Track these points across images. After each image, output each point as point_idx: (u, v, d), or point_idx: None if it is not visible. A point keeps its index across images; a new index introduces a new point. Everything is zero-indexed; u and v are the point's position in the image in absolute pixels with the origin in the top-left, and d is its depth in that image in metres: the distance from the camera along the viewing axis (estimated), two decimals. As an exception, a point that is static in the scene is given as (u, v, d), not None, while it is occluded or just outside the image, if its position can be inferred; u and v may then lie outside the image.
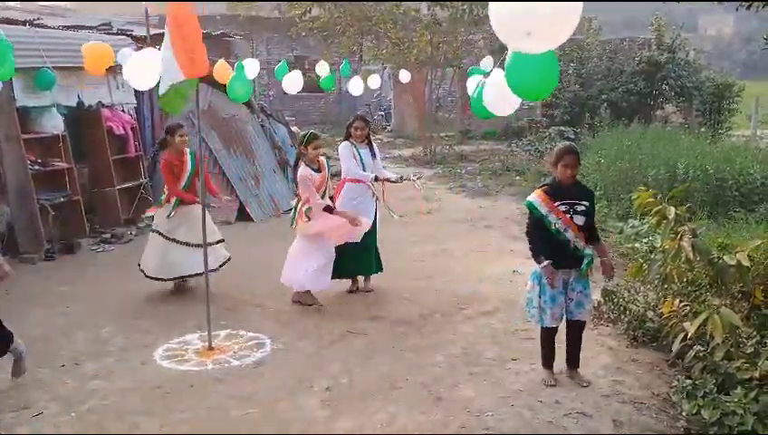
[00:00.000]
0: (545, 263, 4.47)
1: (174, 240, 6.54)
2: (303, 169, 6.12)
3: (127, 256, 7.64)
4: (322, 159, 6.35)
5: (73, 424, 4.25)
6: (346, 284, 6.82)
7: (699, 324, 4.15)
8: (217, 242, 6.74)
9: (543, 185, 4.69)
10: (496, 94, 4.26)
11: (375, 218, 6.68)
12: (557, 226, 4.43)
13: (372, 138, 6.92)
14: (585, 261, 4.48)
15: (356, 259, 6.64)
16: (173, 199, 6.58)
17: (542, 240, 4.53)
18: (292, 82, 10.15)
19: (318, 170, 6.21)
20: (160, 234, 6.60)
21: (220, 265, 6.72)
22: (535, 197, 4.53)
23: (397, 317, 6.08)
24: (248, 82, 7.32)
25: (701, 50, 23.41)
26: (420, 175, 7.65)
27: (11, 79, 7.79)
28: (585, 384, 4.59)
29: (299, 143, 6.44)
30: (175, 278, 6.67)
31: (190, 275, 6.61)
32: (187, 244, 6.50)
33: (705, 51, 25.86)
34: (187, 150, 6.62)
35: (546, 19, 2.87)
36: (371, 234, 6.61)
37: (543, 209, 4.46)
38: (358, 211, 6.39)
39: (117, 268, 7.59)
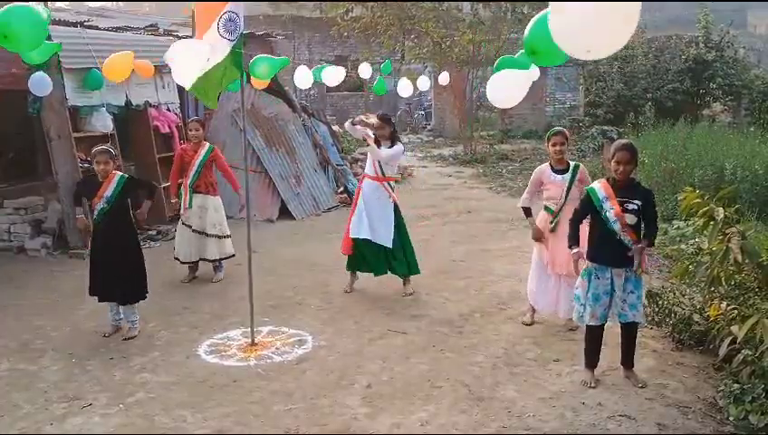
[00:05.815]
0: (575, 250, 4.58)
1: (188, 227, 7.25)
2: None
3: (171, 252, 7.77)
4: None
5: (122, 415, 4.37)
6: (386, 283, 6.84)
7: (748, 328, 4.07)
8: (226, 236, 7.33)
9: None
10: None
11: (398, 221, 6.65)
12: (608, 214, 4.42)
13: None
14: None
15: (374, 257, 6.65)
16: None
17: (592, 233, 4.59)
18: (332, 75, 10.23)
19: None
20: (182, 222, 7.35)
21: (220, 259, 7.33)
22: (597, 183, 4.57)
23: (437, 317, 6.09)
24: (275, 64, 7.40)
25: (751, 47, 22.82)
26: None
27: (62, 78, 8.05)
28: (641, 385, 4.55)
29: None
30: (185, 262, 7.30)
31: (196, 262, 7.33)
32: (197, 231, 7.21)
33: (755, 48, 25.21)
34: None
35: (603, 38, 3.17)
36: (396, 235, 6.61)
37: (601, 194, 4.47)
38: (377, 208, 6.53)
39: (162, 264, 7.75)
